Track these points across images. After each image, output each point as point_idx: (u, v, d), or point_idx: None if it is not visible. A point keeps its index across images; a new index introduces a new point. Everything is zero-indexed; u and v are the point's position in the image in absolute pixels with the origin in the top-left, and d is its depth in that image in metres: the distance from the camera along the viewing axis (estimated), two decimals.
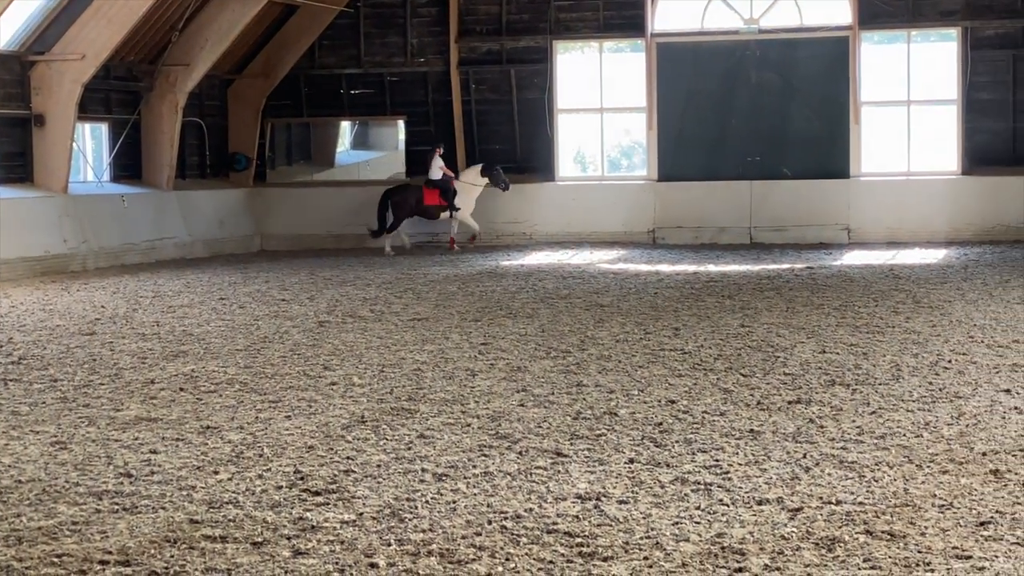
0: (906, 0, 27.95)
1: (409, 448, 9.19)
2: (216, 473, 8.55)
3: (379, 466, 8.65)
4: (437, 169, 27.77)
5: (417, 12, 29.72)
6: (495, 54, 29.50)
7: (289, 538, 7.05)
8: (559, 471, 8.46)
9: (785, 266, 22.81)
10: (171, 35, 26.79)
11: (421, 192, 27.71)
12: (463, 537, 7.03)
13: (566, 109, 29.75)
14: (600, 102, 29.61)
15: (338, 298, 18.93)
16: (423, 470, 8.53)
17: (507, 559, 6.65)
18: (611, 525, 7.22)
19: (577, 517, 7.38)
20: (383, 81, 29.98)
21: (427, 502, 7.74)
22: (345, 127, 31.70)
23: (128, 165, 27.43)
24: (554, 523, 7.26)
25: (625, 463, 8.66)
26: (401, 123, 30.21)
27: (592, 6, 29.06)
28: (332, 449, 9.18)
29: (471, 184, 27.99)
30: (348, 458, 8.89)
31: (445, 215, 27.92)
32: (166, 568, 6.57)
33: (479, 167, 28.10)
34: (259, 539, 7.05)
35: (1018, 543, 6.75)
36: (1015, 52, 27.49)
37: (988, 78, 27.73)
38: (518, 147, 29.53)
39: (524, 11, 29.35)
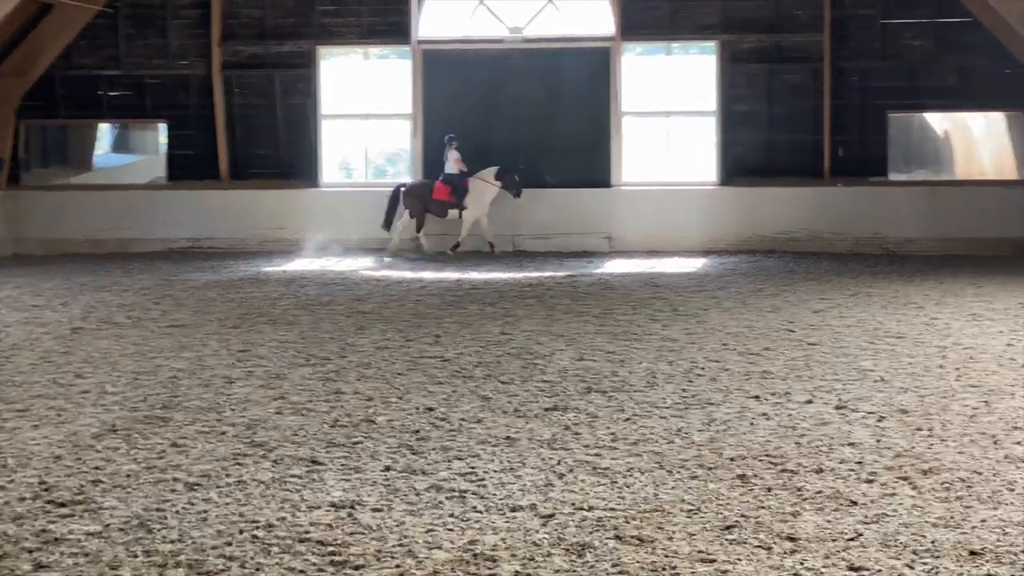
0: (666, 13, 28.49)
1: (161, 457, 9.03)
2: None
3: (129, 476, 8.48)
4: (452, 163, 26.95)
5: (178, 14, 29.24)
6: (259, 58, 29.19)
7: (31, 551, 6.87)
8: (314, 479, 8.40)
9: (547, 274, 23.03)
10: None
11: (432, 187, 27.00)
12: (213, 547, 6.93)
13: (331, 115, 29.57)
14: (365, 108, 29.52)
15: (94, 304, 18.51)
16: (175, 479, 8.39)
17: (257, 569, 6.57)
18: (364, 533, 7.19)
19: (330, 525, 7.33)
20: (143, 83, 29.41)
21: (177, 512, 7.62)
22: (104, 129, 31.02)
23: None
24: (307, 532, 7.21)
25: (381, 471, 8.64)
26: (162, 127, 29.66)
27: (357, 12, 28.95)
28: (80, 459, 8.97)
29: (485, 184, 27.01)
30: (97, 468, 8.70)
31: (455, 214, 27.03)
32: None
33: (496, 169, 27.16)
34: None
35: (761, 546, 6.90)
36: (771, 66, 28.19)
37: (745, 91, 28.39)
38: (282, 153, 29.25)
39: (288, 16, 29.10)
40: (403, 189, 27.16)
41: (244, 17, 29.15)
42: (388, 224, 27.13)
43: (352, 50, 29.75)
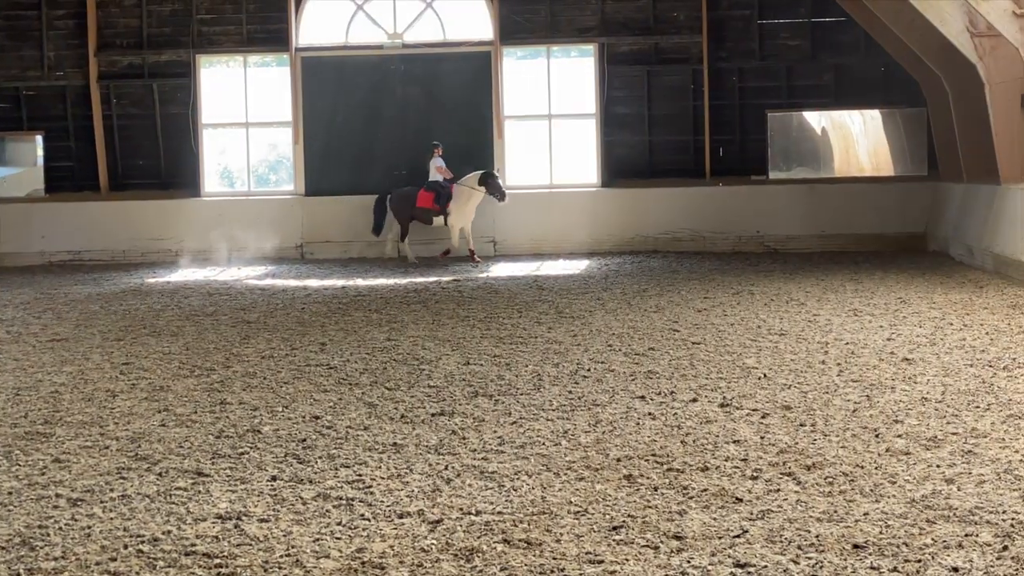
0: (545, 16, 28.61)
1: (43, 473, 8.90)
2: None
3: (10, 493, 8.35)
4: (435, 170, 26.49)
5: (53, 24, 28.88)
6: (137, 68, 28.90)
7: None
8: (199, 491, 8.33)
9: (432, 279, 23.01)
10: None
11: (416, 195, 26.51)
12: (97, 563, 6.84)
13: (211, 124, 29.37)
14: (246, 116, 29.35)
15: None
16: (57, 495, 8.27)
17: None
18: (251, 544, 7.14)
19: (217, 538, 7.27)
20: (19, 95, 29.03)
21: (60, 528, 7.51)
22: None
23: None
24: (193, 545, 7.14)
25: (268, 481, 8.58)
26: (39, 138, 29.28)
27: (235, 20, 28.78)
28: None
29: (470, 190, 26.34)
30: None
31: (440, 221, 26.53)
32: None
33: (479, 174, 26.51)
34: None
35: (648, 546, 6.94)
36: (649, 68, 28.41)
37: (624, 93, 28.59)
38: (162, 162, 28.99)
39: (165, 24, 28.85)
40: (389, 197, 26.85)
41: (121, 27, 28.87)
42: (378, 230, 26.98)
43: (231, 58, 29.54)
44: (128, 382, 12.67)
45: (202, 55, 29.03)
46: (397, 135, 28.94)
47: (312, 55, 28.94)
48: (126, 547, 7.11)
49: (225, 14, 28.78)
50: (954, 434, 9.48)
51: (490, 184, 26.20)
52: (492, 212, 27.97)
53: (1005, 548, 6.74)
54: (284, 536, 7.29)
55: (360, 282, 22.80)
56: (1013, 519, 7.23)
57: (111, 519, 7.69)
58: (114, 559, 6.90)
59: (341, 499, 8.05)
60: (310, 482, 8.52)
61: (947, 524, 7.20)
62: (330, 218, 28.55)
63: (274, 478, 8.64)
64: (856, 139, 29.03)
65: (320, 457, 9.24)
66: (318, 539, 7.22)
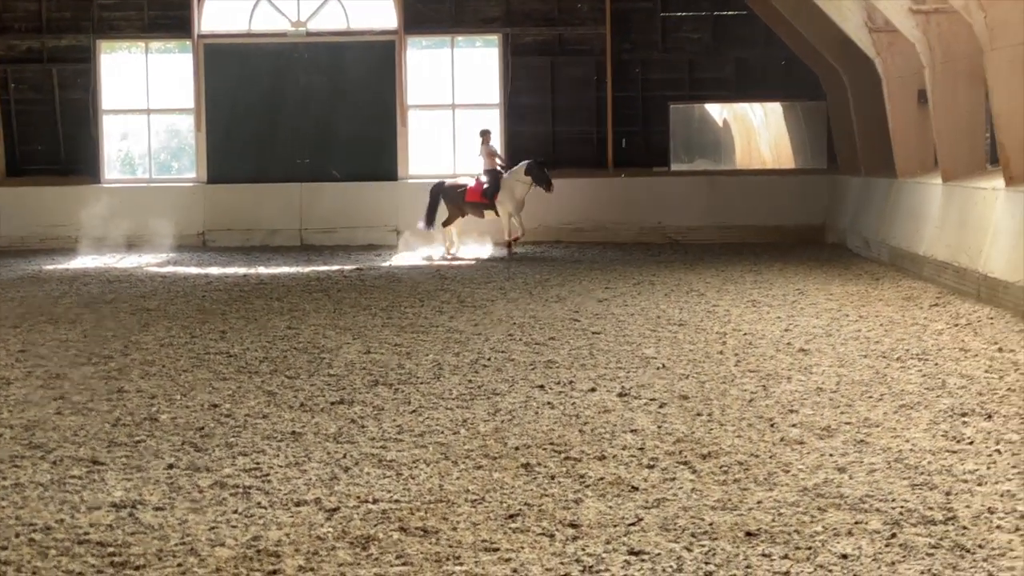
0: (449, 6, 28.62)
1: None
2: None
3: None
4: (487, 158, 25.37)
5: None
6: (36, 52, 28.58)
7: None
8: (94, 480, 8.26)
9: (335, 268, 22.95)
10: None
11: (466, 188, 25.26)
12: None
13: (112, 110, 29.10)
14: (147, 103, 29.10)
15: None
16: None
17: (34, 572, 6.45)
18: (145, 533, 7.10)
19: (111, 526, 7.22)
20: None
21: None
22: None
23: None
24: (86, 533, 7.09)
25: (164, 469, 8.53)
26: None
27: (137, 5, 28.53)
28: None
29: (516, 181, 25.17)
30: None
31: (492, 214, 25.41)
32: None
33: (525, 164, 25.26)
34: None
35: (544, 534, 6.99)
36: (553, 59, 28.53)
37: (528, 84, 28.68)
38: (62, 148, 28.70)
39: (66, 9, 28.54)
40: (442, 190, 25.59)
41: (20, 10, 28.53)
42: (430, 222, 25.62)
43: (133, 44, 29.28)
44: (24, 369, 12.53)
45: (103, 40, 28.78)
46: (300, 123, 28.86)
47: (215, 42, 28.77)
48: (17, 536, 7.04)
49: (127, 0, 28.52)
50: (847, 424, 9.61)
51: (536, 173, 24.97)
52: (395, 201, 27.96)
53: (893, 535, 6.85)
54: (179, 524, 7.25)
55: (262, 270, 22.70)
56: (902, 507, 7.35)
57: (2, 508, 7.61)
58: (4, 548, 6.83)
59: (238, 487, 8.02)
60: (207, 470, 8.48)
61: (838, 512, 7.30)
62: (233, 206, 28.41)
63: (171, 466, 8.59)
64: (757, 132, 29.32)
65: (218, 445, 9.20)
66: (214, 527, 7.19)
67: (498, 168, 25.43)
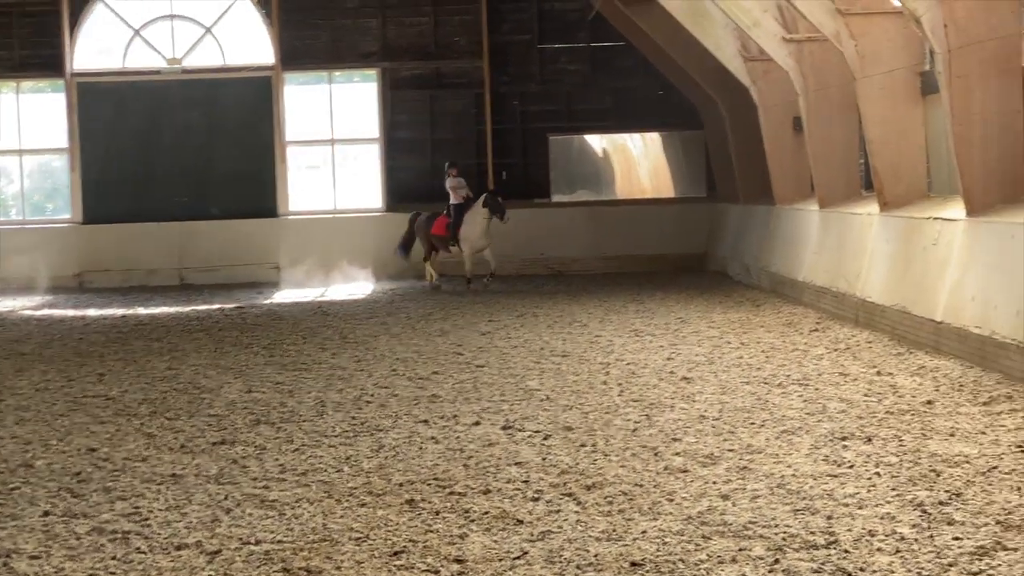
0: (326, 41, 28.54)
1: None
2: None
3: None
4: (452, 193, 24.77)
5: None
6: None
7: None
8: None
9: (216, 307, 22.73)
10: None
11: (433, 221, 24.80)
12: None
13: None
14: (19, 143, 28.68)
15: None
16: None
17: None
18: None
19: None
20: None
21: None
22: None
23: None
24: None
25: (40, 516, 8.35)
26: None
27: (7, 45, 28.15)
28: None
29: (476, 214, 24.48)
30: None
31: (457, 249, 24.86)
32: None
33: (484, 196, 24.71)
34: None
35: (428, 570, 6.92)
36: (432, 93, 28.55)
37: (407, 117, 28.67)
38: None
39: None
40: (416, 220, 25.36)
41: None
42: (404, 249, 25.59)
43: (4, 84, 28.85)
44: None
45: None
46: (178, 161, 28.61)
47: (88, 80, 28.44)
48: None
49: None
50: (730, 451, 9.64)
51: (491, 204, 24.49)
52: (276, 238, 27.79)
53: (776, 561, 6.86)
54: (56, 573, 7.09)
55: (141, 311, 22.42)
56: (785, 532, 7.37)
57: None
58: None
59: (117, 532, 7.87)
60: (84, 516, 8.31)
61: (722, 539, 7.31)
62: (110, 246, 28.06)
63: (46, 513, 8.41)
64: (637, 162, 29.51)
65: (95, 490, 9.02)
66: (92, 574, 7.05)
67: (464, 201, 24.97)
